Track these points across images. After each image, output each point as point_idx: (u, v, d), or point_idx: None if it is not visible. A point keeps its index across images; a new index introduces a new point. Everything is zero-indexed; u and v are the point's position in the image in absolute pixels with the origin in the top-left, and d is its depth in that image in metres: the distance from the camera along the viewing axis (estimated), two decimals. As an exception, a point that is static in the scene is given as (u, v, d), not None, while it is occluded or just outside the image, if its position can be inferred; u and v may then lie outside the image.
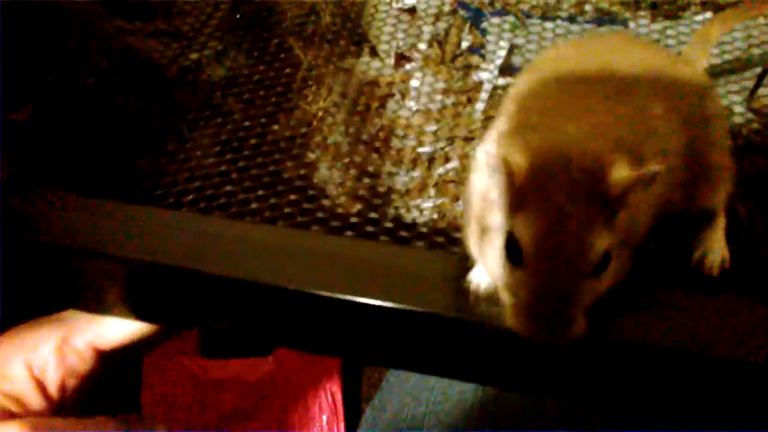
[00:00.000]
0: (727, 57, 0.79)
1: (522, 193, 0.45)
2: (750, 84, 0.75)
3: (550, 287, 0.44)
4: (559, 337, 0.45)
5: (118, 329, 0.68)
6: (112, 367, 0.71)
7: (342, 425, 1.04)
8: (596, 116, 0.49)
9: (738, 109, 0.74)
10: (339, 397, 1.04)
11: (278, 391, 1.07)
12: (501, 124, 0.53)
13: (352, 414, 1.05)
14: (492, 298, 0.51)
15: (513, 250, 0.45)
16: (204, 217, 0.69)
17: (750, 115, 0.73)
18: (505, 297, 0.47)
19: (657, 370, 0.53)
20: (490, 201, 0.48)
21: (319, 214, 0.70)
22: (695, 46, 0.72)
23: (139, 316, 0.66)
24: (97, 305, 0.66)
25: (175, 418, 1.06)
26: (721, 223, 0.62)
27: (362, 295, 0.56)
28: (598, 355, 0.52)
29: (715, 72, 0.76)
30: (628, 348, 0.52)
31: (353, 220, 0.69)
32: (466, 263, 0.55)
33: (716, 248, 0.61)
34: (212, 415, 1.08)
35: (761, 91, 0.74)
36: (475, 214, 0.51)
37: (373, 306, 0.56)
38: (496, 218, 0.47)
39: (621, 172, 0.45)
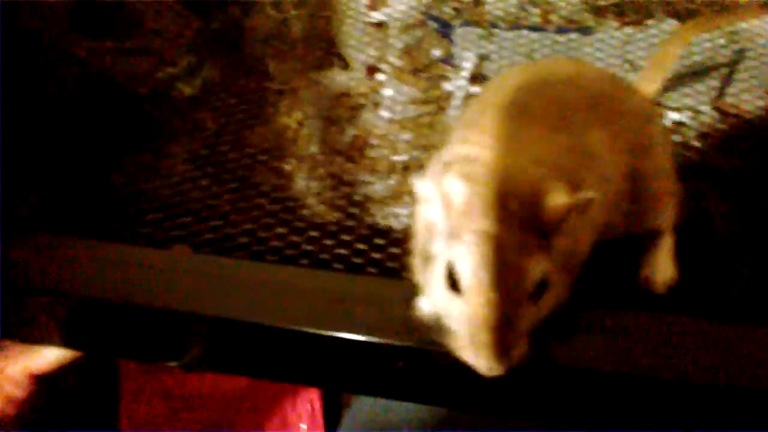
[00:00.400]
0: (692, 59, 0.81)
1: (460, 223, 0.46)
2: (716, 84, 0.77)
3: (488, 315, 0.45)
4: (500, 365, 0.46)
5: (52, 353, 0.69)
6: (52, 392, 0.71)
7: (322, 433, 1.05)
8: (536, 146, 0.51)
9: (704, 110, 0.76)
10: (318, 405, 1.04)
11: (255, 402, 1.07)
12: (443, 155, 0.54)
13: (333, 420, 1.05)
14: (437, 325, 0.51)
15: (453, 279, 0.47)
16: (158, 253, 0.69)
17: (717, 116, 0.75)
18: (449, 325, 0.48)
19: (604, 392, 0.55)
20: (432, 231, 0.49)
21: (298, 224, 0.71)
22: (655, 64, 0.74)
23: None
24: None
25: (152, 433, 1.06)
26: (668, 242, 0.63)
27: (313, 327, 0.57)
28: (542, 376, 0.54)
29: (682, 74, 0.78)
30: (572, 371, 0.53)
31: (331, 228, 0.70)
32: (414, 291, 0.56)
33: (663, 267, 0.62)
34: (189, 429, 1.08)
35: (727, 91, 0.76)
36: (419, 243, 0.52)
37: (326, 337, 0.57)
38: (438, 248, 0.48)
39: (556, 199, 0.46)
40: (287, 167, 0.76)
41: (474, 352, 0.46)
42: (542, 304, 0.47)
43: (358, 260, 0.67)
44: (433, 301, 0.50)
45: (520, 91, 0.56)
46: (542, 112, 0.54)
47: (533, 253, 0.46)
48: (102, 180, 0.76)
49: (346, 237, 0.69)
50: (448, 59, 0.87)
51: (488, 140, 0.51)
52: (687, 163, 0.71)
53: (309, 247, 0.68)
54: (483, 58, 0.86)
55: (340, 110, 0.82)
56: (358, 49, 0.90)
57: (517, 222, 0.46)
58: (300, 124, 0.81)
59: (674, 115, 0.76)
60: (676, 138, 0.74)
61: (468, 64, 0.85)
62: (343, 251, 0.68)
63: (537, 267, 0.46)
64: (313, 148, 0.78)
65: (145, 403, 1.07)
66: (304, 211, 0.72)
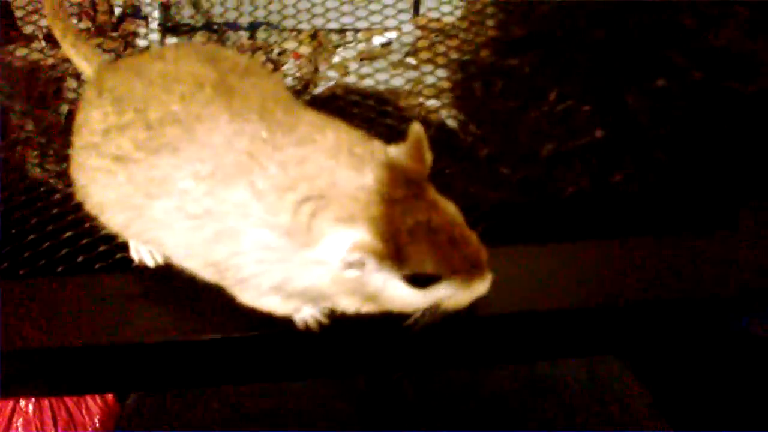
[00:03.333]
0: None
1: (396, 248, 0.48)
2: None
3: (472, 254, 0.50)
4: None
5: None
6: None
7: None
8: (328, 138, 0.51)
9: (407, 28, 0.81)
10: (110, 396, 0.98)
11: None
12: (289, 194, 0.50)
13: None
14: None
15: (420, 281, 0.49)
16: None
17: (419, 32, 0.80)
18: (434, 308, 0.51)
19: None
20: (351, 282, 0.50)
21: (54, 210, 0.66)
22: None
23: None
24: None
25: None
26: None
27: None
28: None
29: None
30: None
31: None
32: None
33: None
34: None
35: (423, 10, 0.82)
36: (341, 296, 0.52)
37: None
38: (379, 280, 0.49)
39: (415, 138, 0.50)
40: (15, 155, 0.70)
41: (480, 284, 0.50)
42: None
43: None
44: (402, 308, 0.52)
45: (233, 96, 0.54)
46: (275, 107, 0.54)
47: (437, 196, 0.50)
48: None
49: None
50: (135, 13, 0.83)
51: (308, 170, 0.50)
52: (411, 81, 0.76)
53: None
54: (170, 5, 0.84)
55: (41, 86, 0.77)
56: (29, 18, 0.83)
57: (411, 194, 0.49)
58: (4, 108, 0.74)
59: (381, 39, 0.81)
60: (393, 57, 0.79)
61: (156, 15, 0.83)
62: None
63: (449, 202, 0.50)
64: (30, 129, 0.73)
65: None
66: (56, 196, 0.67)
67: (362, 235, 0.47)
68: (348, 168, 0.49)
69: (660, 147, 0.69)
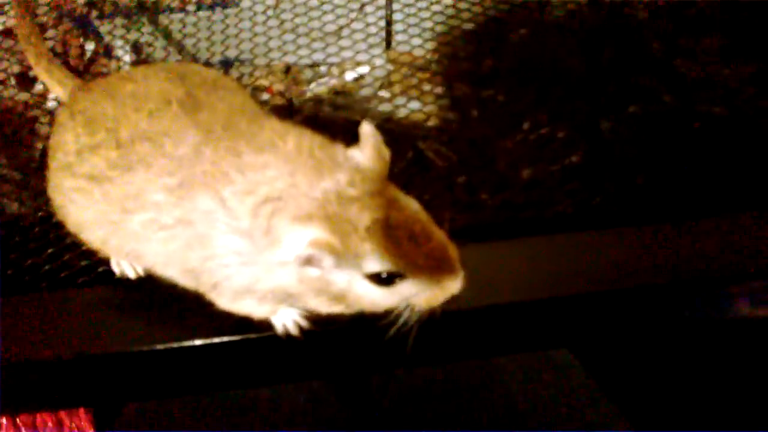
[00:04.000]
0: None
1: (353, 245, 0.48)
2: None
3: (437, 251, 0.50)
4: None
5: None
6: None
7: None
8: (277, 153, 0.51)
9: (379, 62, 0.82)
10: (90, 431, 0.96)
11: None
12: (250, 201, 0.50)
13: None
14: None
15: (383, 279, 0.49)
16: None
17: (391, 65, 0.81)
18: (401, 306, 0.52)
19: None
20: (315, 281, 0.50)
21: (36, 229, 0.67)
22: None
23: None
24: None
25: None
26: None
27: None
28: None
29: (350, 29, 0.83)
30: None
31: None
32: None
33: None
34: None
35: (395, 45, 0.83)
36: (313, 296, 0.52)
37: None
38: (341, 277, 0.50)
39: (368, 140, 0.50)
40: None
41: (451, 282, 0.50)
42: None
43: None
44: (374, 308, 0.52)
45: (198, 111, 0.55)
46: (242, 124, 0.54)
47: (400, 195, 0.51)
48: None
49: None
50: (107, 53, 0.84)
51: (268, 175, 0.50)
52: (381, 113, 0.77)
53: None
54: (140, 46, 0.84)
55: (12, 126, 0.77)
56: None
57: (370, 192, 0.49)
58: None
59: (354, 73, 0.81)
60: (365, 92, 0.79)
61: (127, 55, 0.83)
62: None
63: (411, 200, 0.51)
64: (5, 169, 0.73)
65: None
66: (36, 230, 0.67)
67: (317, 232, 0.47)
68: (307, 170, 0.49)
69: (634, 170, 0.70)
